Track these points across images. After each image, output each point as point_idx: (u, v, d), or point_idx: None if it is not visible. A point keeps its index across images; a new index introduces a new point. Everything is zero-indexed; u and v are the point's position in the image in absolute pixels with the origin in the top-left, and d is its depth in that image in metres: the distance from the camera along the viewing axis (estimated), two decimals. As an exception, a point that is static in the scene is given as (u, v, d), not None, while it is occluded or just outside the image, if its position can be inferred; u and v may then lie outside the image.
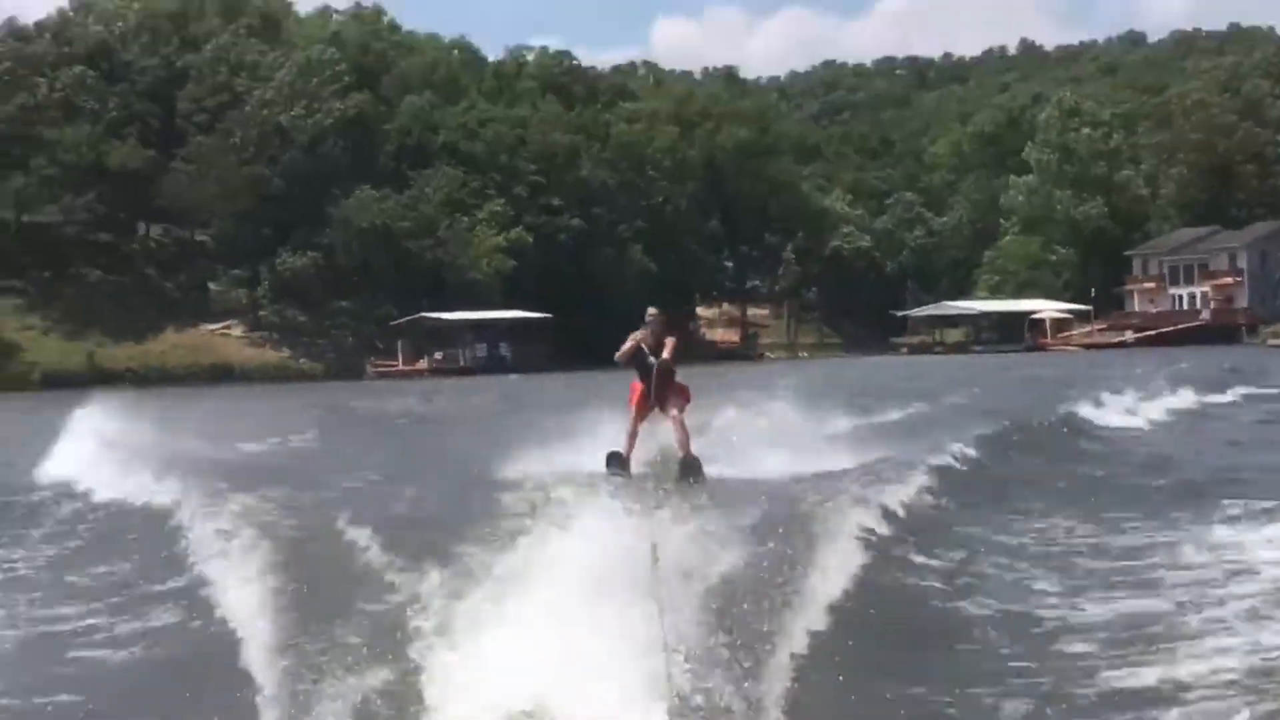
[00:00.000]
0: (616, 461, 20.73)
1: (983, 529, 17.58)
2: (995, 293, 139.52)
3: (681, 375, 21.28)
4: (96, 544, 18.76)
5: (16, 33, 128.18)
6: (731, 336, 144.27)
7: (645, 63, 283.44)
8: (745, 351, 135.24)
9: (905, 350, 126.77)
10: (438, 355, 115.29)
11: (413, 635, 10.57)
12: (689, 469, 20.36)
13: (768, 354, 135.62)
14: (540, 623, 10.05)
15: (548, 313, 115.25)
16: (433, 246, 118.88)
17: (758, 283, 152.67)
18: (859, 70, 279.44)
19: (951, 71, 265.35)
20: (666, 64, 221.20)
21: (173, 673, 11.99)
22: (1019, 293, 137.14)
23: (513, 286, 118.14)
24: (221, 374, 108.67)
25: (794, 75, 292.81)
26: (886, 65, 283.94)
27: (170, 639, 13.07)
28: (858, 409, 34.19)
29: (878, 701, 10.40)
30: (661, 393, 20.88)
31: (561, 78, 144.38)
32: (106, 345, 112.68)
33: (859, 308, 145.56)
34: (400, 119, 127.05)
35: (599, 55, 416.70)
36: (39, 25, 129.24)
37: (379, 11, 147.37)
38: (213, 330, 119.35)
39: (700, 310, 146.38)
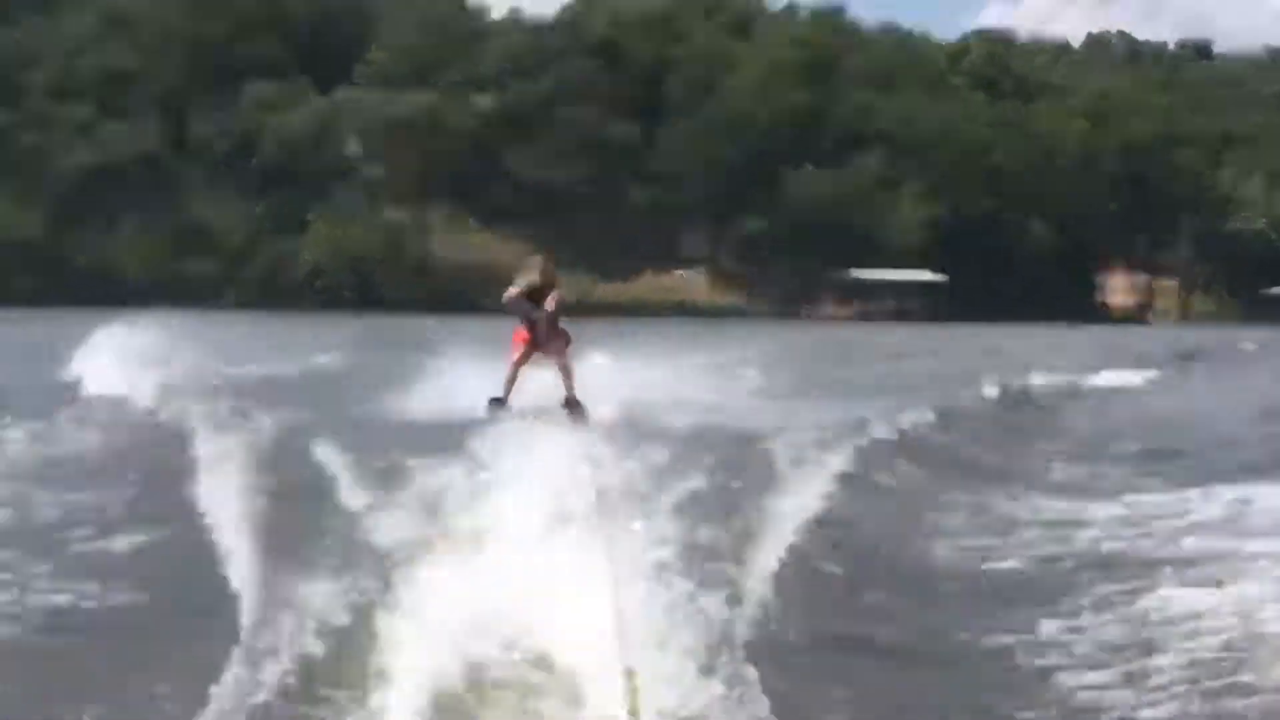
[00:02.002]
0: (497, 405, 20.91)
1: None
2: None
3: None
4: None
5: (532, 26, 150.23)
6: (1129, 301, 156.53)
7: (1120, 33, 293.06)
8: (1137, 316, 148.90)
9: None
10: (856, 305, 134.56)
11: (365, 561, 10.23)
12: (572, 409, 20.86)
13: (1155, 319, 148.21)
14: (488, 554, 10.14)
15: (958, 275, 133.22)
16: (863, 216, 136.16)
17: (1163, 255, 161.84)
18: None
19: None
20: (1141, 35, 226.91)
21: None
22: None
23: (927, 252, 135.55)
24: (687, 310, 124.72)
25: (1269, 50, 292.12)
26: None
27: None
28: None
29: (837, 615, 10.69)
30: (547, 338, 21.40)
31: (991, 72, 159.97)
32: (599, 282, 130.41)
33: (1259, 283, 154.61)
34: (843, 109, 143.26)
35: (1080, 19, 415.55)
36: (557, 20, 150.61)
37: (839, 10, 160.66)
38: (682, 274, 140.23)
39: (1111, 279, 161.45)
